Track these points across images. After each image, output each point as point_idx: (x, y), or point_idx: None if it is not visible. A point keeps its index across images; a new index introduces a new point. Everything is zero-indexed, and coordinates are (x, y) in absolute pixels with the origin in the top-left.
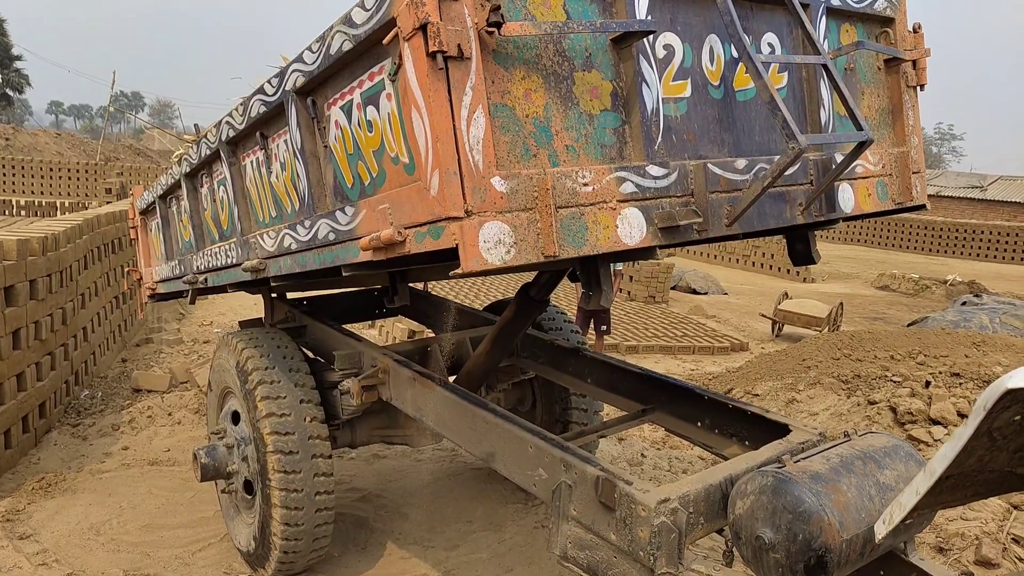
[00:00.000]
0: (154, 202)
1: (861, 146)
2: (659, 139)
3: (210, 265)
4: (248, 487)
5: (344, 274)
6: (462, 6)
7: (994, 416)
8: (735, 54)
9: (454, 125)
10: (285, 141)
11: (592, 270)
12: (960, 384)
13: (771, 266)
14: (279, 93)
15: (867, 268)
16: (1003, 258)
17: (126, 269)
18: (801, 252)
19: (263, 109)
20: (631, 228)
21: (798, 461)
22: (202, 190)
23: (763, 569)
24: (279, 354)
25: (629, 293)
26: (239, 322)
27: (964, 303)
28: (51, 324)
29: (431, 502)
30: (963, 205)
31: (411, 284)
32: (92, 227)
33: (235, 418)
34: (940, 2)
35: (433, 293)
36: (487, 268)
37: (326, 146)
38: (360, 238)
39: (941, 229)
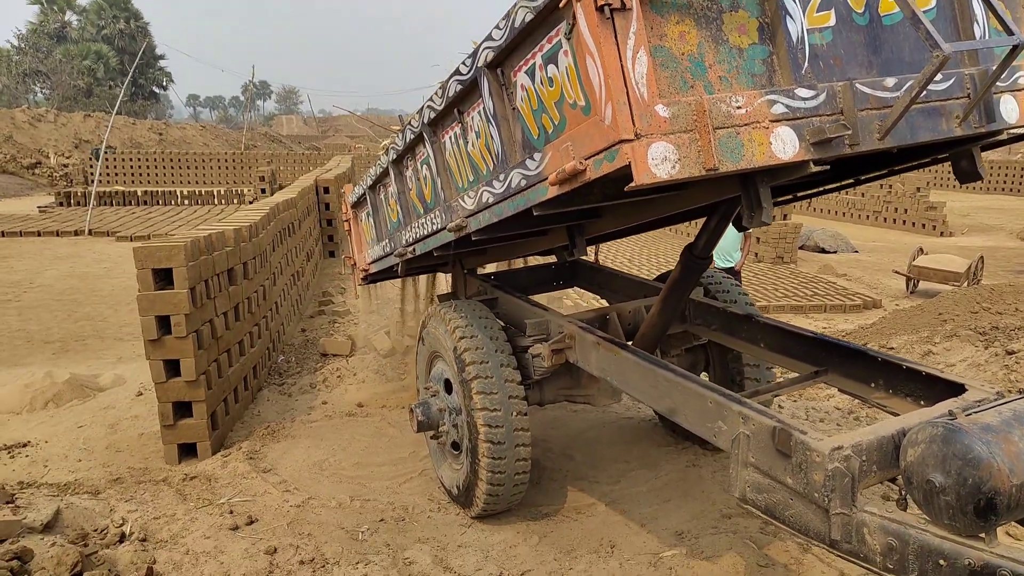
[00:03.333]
0: (364, 194)
1: (1015, 50)
2: (806, 65)
3: (418, 236)
4: (455, 446)
5: (535, 213)
6: None
7: None
8: None
9: (622, 65)
10: (479, 112)
11: (753, 190)
12: None
13: (904, 221)
14: (472, 71)
15: (1013, 219)
16: None
17: (343, 256)
18: (966, 170)
19: (459, 87)
20: (784, 144)
21: (970, 414)
22: (407, 172)
23: (934, 511)
24: (481, 324)
25: (756, 255)
26: (437, 296)
27: None
28: (257, 299)
29: (591, 446)
30: None
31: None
32: (275, 214)
33: (447, 386)
34: None
35: (606, 266)
36: (656, 182)
37: (514, 108)
38: (547, 178)
39: None
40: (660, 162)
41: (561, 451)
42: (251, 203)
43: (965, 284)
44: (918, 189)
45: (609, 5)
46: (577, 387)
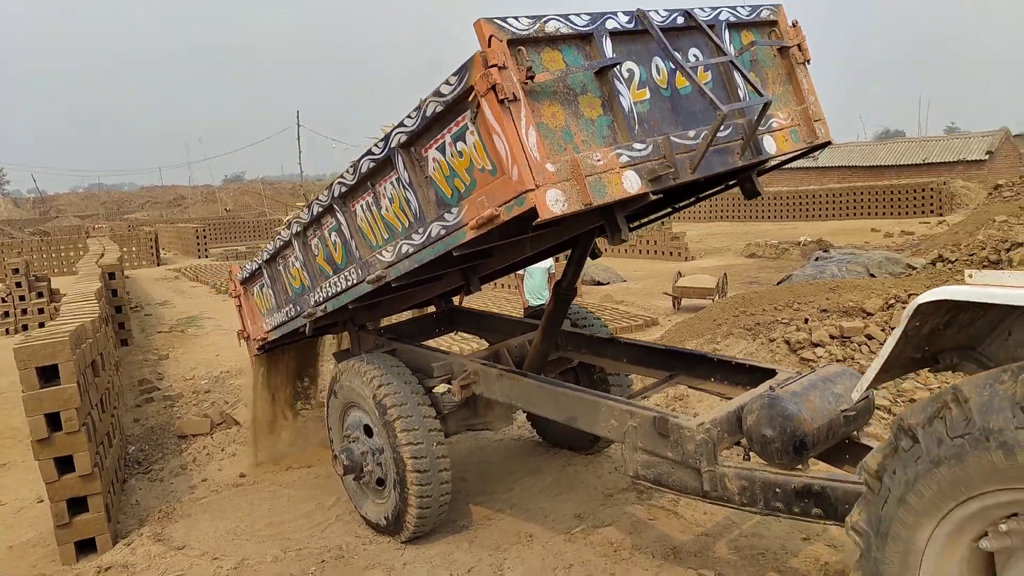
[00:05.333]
0: (258, 268)
1: (765, 106)
2: (636, 127)
3: (330, 294)
4: (380, 482)
5: (455, 254)
6: (510, 72)
7: (910, 323)
8: (673, 66)
9: (520, 138)
10: (392, 182)
11: (612, 219)
12: (828, 317)
13: (654, 250)
14: (386, 151)
15: (735, 241)
16: (840, 215)
17: (236, 331)
18: (750, 189)
19: (372, 164)
20: (631, 182)
21: (783, 387)
22: (312, 242)
23: (768, 456)
24: (394, 371)
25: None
26: (334, 354)
27: (816, 258)
28: (110, 392)
29: (478, 467)
30: (802, 174)
31: (459, 304)
32: (100, 303)
33: (367, 431)
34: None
35: (482, 310)
36: (554, 216)
37: (427, 176)
38: (466, 225)
39: (788, 197)
40: (554, 202)
41: (455, 476)
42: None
43: (717, 296)
44: (662, 223)
45: (506, 98)
46: (476, 416)
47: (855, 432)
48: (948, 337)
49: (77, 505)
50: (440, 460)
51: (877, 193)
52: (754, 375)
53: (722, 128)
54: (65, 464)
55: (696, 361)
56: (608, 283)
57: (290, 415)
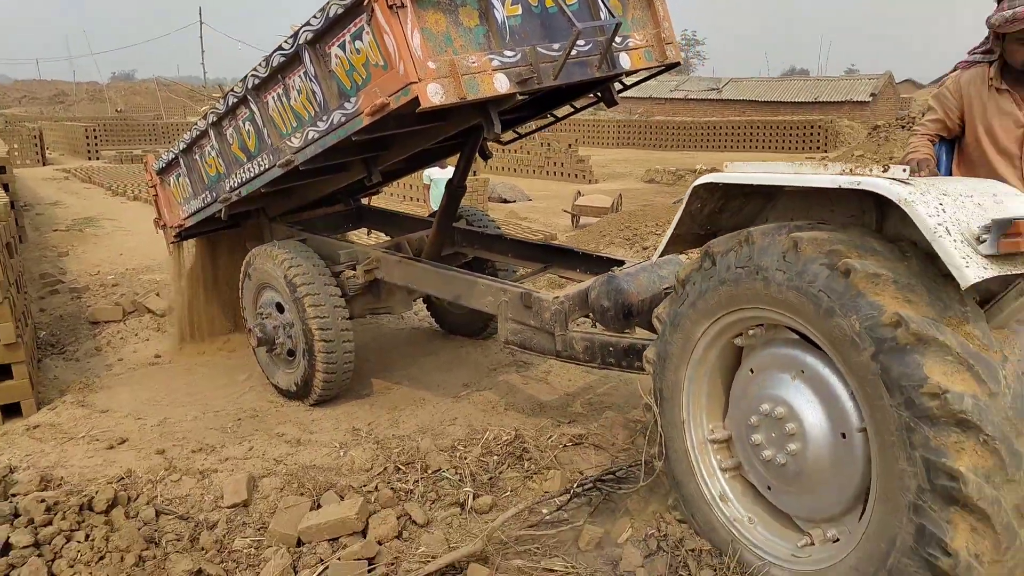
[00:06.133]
0: (175, 158)
1: (617, 27)
2: (508, 37)
3: (244, 180)
4: (291, 353)
5: (354, 139)
6: None
7: (690, 204)
8: None
9: (406, 39)
10: (300, 75)
11: (487, 115)
12: None
13: (561, 172)
14: (295, 47)
15: (636, 167)
16: (738, 147)
17: (153, 220)
18: (608, 99)
19: (282, 59)
20: (501, 83)
21: (621, 271)
22: (227, 131)
23: (606, 323)
24: (303, 255)
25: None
26: (249, 245)
27: None
28: (20, 275)
29: (381, 351)
30: (704, 105)
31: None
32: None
33: (279, 308)
34: None
35: (389, 209)
36: (434, 106)
37: (330, 70)
38: (363, 112)
39: (689, 128)
40: (434, 94)
41: (359, 359)
42: None
43: (611, 214)
44: (569, 145)
45: (395, 5)
46: (379, 301)
47: None
48: (725, 219)
49: (2, 373)
50: (344, 332)
51: (772, 127)
52: (608, 265)
53: (583, 43)
54: None
55: (566, 255)
56: (515, 201)
57: (210, 301)
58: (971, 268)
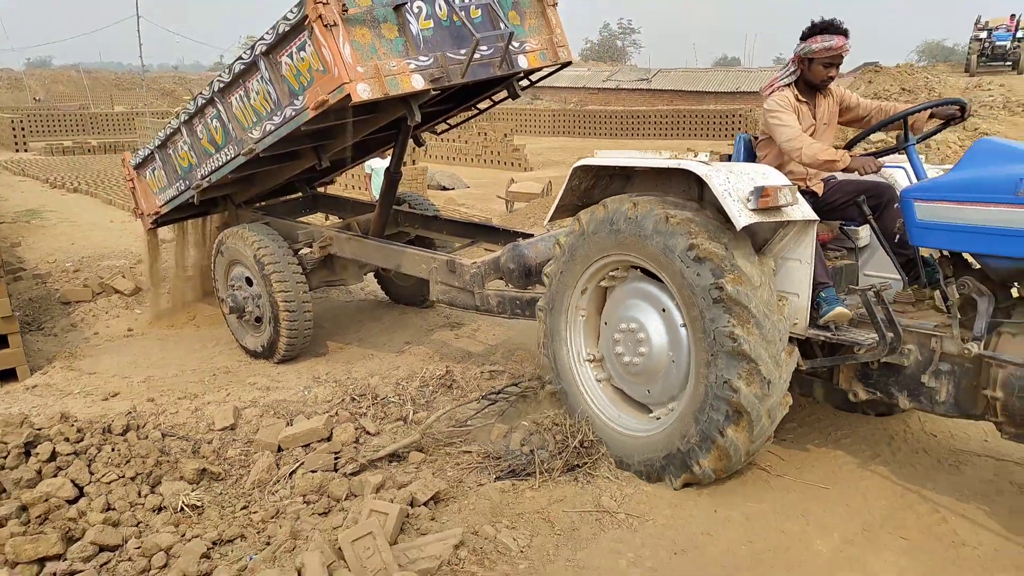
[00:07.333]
0: (150, 153)
1: (511, 35)
2: (422, 46)
3: (213, 168)
4: (258, 320)
5: (303, 129)
6: (331, 6)
7: (571, 181)
8: (451, 4)
9: (339, 50)
10: (258, 79)
11: (409, 107)
12: None
13: (498, 161)
14: (252, 57)
15: (571, 155)
16: (665, 135)
17: (132, 209)
18: (511, 93)
19: (242, 67)
20: (417, 81)
21: (525, 240)
22: (197, 128)
23: (513, 281)
24: (269, 236)
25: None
26: (219, 227)
27: None
28: None
29: (334, 319)
30: (635, 95)
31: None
32: None
33: (248, 281)
34: None
35: (340, 195)
36: (363, 100)
37: (282, 75)
38: (308, 107)
39: (621, 117)
40: (363, 91)
41: (315, 326)
42: None
43: (540, 199)
44: (505, 135)
45: (330, 23)
46: (334, 274)
47: None
48: (597, 194)
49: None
50: (304, 303)
51: (697, 116)
52: (522, 238)
53: (486, 49)
54: None
55: (490, 231)
56: (453, 188)
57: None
58: (742, 217)
